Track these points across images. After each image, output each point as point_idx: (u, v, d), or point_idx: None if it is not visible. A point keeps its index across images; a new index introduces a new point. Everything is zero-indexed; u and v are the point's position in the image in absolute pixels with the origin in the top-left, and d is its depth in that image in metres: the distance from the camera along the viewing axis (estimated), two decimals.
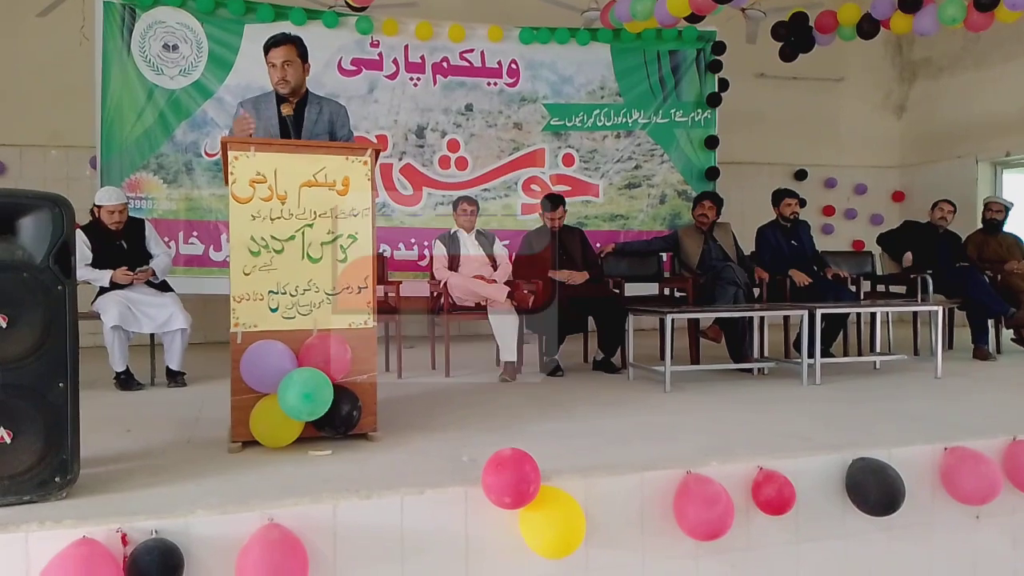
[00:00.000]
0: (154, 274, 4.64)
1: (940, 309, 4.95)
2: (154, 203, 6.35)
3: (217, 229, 6.43)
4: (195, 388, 4.55)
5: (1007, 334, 5.94)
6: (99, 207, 4.60)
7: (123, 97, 6.26)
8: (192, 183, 6.46)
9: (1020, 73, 8.06)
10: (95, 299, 4.54)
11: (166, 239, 5.72)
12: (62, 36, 6.59)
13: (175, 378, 4.63)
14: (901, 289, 6.18)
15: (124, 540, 2.00)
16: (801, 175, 9.09)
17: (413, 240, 6.93)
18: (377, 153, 3.16)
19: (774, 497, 2.51)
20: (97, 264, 4.51)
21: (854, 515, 2.68)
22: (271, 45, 3.37)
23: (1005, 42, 7.88)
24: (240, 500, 2.25)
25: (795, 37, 7.00)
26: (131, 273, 4.51)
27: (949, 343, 5.93)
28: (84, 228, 4.53)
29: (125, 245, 4.64)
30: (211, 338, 6.68)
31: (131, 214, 4.79)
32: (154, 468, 2.68)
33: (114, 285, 4.50)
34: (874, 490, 2.59)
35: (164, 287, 4.72)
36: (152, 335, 4.64)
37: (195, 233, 6.47)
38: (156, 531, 2.03)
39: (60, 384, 2.25)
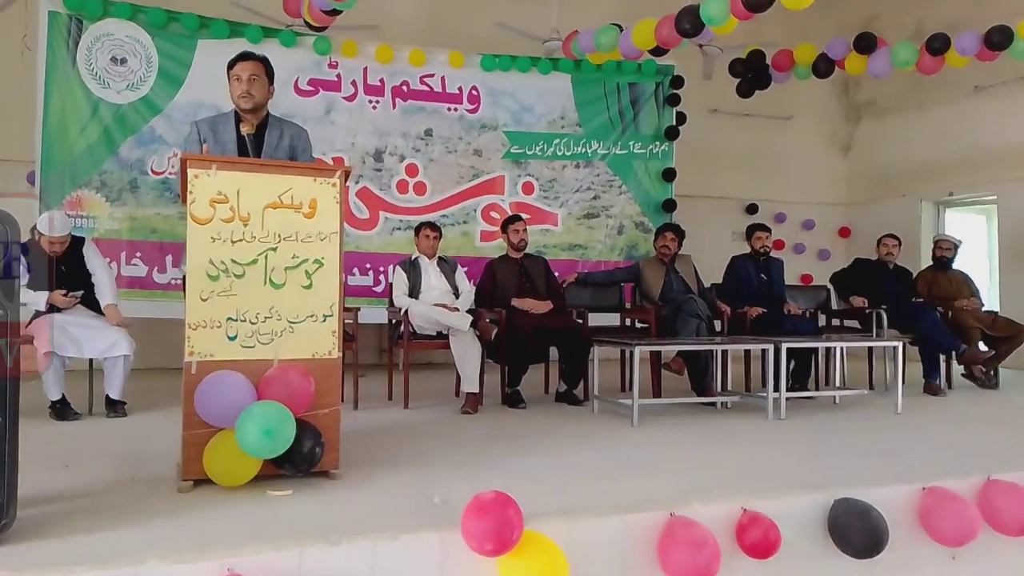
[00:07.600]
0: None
1: (901, 344, 5.01)
2: (95, 222, 6.06)
3: (162, 250, 6.17)
4: (136, 418, 4.28)
5: (958, 369, 6.04)
6: (40, 234, 4.32)
7: (66, 110, 5.98)
8: (136, 202, 6.19)
9: (961, 116, 8.33)
10: (30, 322, 4.25)
11: (107, 260, 5.42)
12: (2, 45, 6.28)
13: (115, 407, 4.35)
14: (855, 324, 6.24)
15: None
16: (752, 209, 9.22)
17: (368, 265, 6.75)
18: (346, 175, 3.02)
19: (760, 540, 2.42)
20: (33, 286, 4.23)
21: (836, 556, 2.61)
22: (238, 59, 3.23)
23: (947, 85, 8.13)
24: (195, 547, 2.05)
25: (752, 74, 7.12)
26: (69, 296, 4.26)
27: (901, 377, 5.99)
28: (20, 247, 4.25)
29: (64, 268, 4.37)
30: (151, 364, 6.34)
31: (72, 233, 4.51)
32: (97, 509, 2.46)
33: (51, 308, 4.23)
34: (860, 533, 2.52)
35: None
36: (91, 360, 4.37)
37: (138, 254, 6.18)
38: None
39: None
